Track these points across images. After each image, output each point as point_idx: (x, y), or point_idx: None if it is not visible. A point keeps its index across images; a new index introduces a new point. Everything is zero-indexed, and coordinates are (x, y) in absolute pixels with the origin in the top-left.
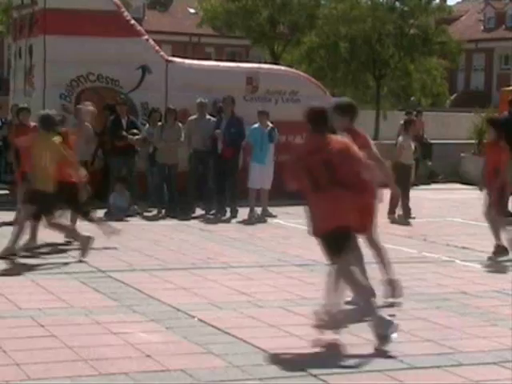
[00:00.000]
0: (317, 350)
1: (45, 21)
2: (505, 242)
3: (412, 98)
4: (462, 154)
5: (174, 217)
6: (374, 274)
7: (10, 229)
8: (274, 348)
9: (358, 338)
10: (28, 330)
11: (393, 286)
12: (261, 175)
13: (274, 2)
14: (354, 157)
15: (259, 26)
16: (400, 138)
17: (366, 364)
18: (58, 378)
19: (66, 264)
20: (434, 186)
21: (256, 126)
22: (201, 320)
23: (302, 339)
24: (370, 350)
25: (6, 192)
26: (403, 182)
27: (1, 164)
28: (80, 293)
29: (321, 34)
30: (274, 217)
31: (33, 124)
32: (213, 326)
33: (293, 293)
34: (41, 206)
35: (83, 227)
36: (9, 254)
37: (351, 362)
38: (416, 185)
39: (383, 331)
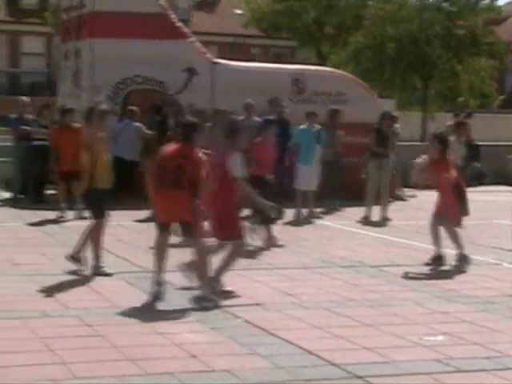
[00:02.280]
0: (362, 351)
1: (92, 23)
2: None
3: (460, 99)
4: (510, 156)
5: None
6: None
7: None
8: (319, 349)
9: (403, 340)
10: (75, 330)
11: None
12: (307, 176)
13: (321, 2)
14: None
15: (305, 27)
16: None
17: (411, 366)
18: (104, 378)
19: (113, 264)
20: (481, 188)
21: (303, 126)
22: (246, 321)
23: (348, 341)
24: (416, 352)
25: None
26: None
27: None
28: (126, 293)
29: (367, 35)
30: (320, 218)
31: (77, 125)
32: (258, 327)
33: (338, 294)
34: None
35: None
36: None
37: (397, 364)
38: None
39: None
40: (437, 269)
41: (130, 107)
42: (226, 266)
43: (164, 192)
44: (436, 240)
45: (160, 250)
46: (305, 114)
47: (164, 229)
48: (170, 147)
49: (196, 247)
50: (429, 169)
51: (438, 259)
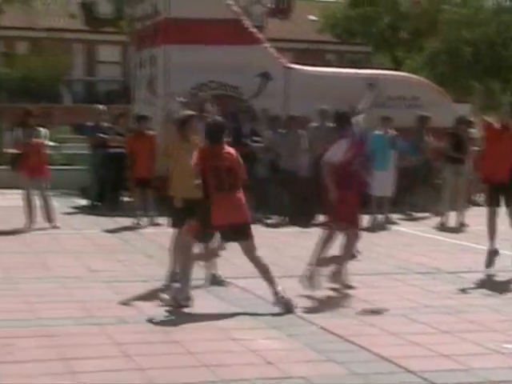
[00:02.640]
0: (439, 358)
1: (167, 30)
2: None
3: None
4: None
5: (295, 224)
6: None
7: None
8: (396, 356)
9: (480, 347)
10: (151, 336)
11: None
12: (383, 182)
13: (396, 8)
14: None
15: (380, 33)
16: None
17: (489, 374)
18: None
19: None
20: None
21: (378, 132)
22: (322, 327)
23: (424, 347)
24: (494, 359)
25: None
26: None
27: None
28: (204, 300)
29: (443, 40)
30: (396, 224)
31: (152, 133)
32: (334, 334)
33: (414, 301)
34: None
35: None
36: None
37: (475, 371)
38: None
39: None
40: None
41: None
42: (346, 255)
43: (223, 195)
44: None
45: (204, 257)
46: (379, 118)
47: (212, 236)
48: (207, 150)
49: (251, 248)
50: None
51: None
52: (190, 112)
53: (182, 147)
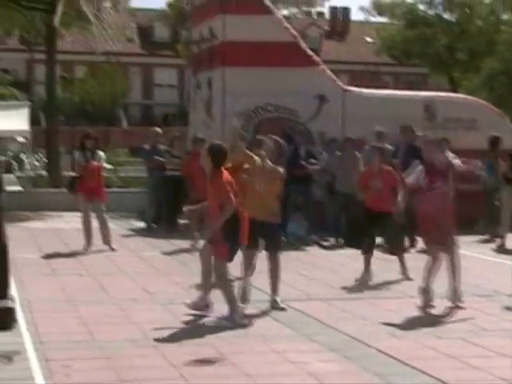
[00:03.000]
0: (498, 382)
1: (224, 53)
2: None
3: None
4: None
5: (351, 246)
6: None
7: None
8: (454, 380)
9: None
10: (207, 358)
11: None
12: None
13: (453, 29)
14: None
15: (437, 54)
16: None
17: None
18: None
19: (244, 293)
20: None
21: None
22: (379, 350)
23: (484, 372)
24: None
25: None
26: None
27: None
28: (258, 321)
29: (501, 60)
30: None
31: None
32: (391, 356)
33: (473, 323)
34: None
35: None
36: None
37: None
38: None
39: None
40: None
41: (258, 136)
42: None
43: None
44: None
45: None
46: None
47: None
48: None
49: None
50: None
51: None
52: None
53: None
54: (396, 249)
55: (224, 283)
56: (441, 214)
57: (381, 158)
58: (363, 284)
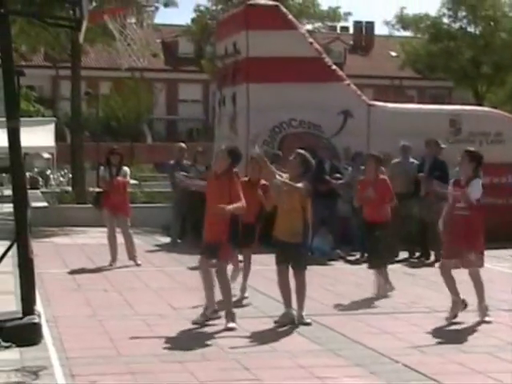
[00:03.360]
0: None
1: (248, 69)
2: None
3: None
4: None
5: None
6: None
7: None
8: None
9: None
10: (233, 373)
11: None
12: None
13: (477, 42)
14: None
15: (462, 67)
16: None
17: None
18: None
19: (270, 307)
20: None
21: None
22: (405, 365)
23: None
24: None
25: None
26: None
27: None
28: (284, 336)
29: None
30: None
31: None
32: (417, 372)
33: (499, 338)
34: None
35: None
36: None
37: None
38: None
39: None
40: None
41: (275, 151)
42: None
43: None
44: None
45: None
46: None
47: None
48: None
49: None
50: None
51: None
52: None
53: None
54: (374, 263)
55: (224, 281)
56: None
57: (376, 165)
58: (384, 295)
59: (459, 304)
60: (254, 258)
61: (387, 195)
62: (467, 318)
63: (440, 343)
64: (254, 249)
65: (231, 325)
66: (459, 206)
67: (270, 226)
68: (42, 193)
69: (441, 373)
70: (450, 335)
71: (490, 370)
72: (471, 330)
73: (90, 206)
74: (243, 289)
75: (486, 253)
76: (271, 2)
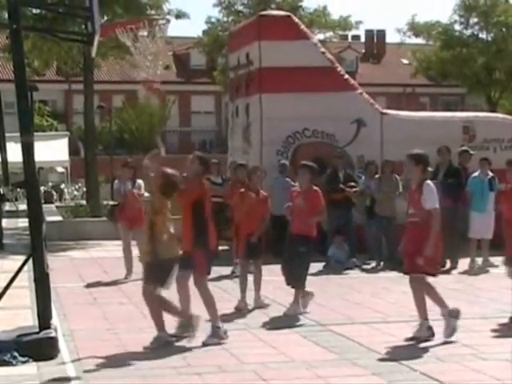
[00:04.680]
0: None
1: (261, 79)
2: None
3: None
4: None
5: (393, 269)
6: None
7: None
8: None
9: None
10: None
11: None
12: (482, 224)
13: (490, 48)
14: None
15: (474, 74)
16: None
17: None
18: None
19: (286, 318)
20: None
21: (476, 174)
22: (423, 373)
23: None
24: None
25: (226, 248)
26: None
27: (221, 221)
28: (301, 346)
29: None
30: (496, 267)
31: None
32: (435, 379)
33: None
34: None
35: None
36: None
37: None
38: None
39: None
40: None
41: (282, 161)
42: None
43: None
44: None
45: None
46: (478, 161)
47: None
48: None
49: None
50: None
51: None
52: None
53: None
54: (295, 281)
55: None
56: None
57: (311, 176)
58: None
59: None
60: (268, 268)
61: (317, 208)
62: (484, 325)
63: (458, 351)
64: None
65: (210, 341)
66: (410, 213)
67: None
68: (57, 207)
69: (459, 380)
70: (467, 343)
71: (508, 377)
72: (489, 337)
73: (104, 219)
74: (257, 299)
75: (502, 259)
76: (283, 13)
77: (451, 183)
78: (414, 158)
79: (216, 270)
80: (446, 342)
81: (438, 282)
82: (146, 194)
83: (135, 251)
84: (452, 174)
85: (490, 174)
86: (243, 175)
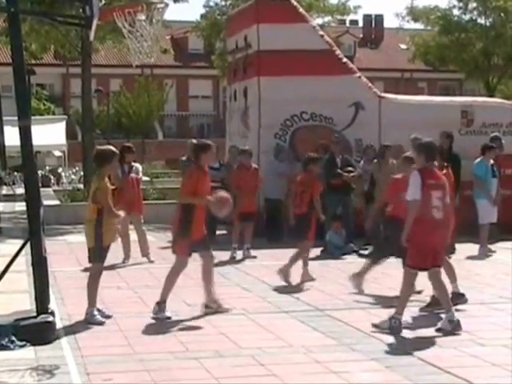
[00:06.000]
0: None
1: (259, 63)
2: None
3: None
4: None
5: (391, 254)
6: None
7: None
8: None
9: None
10: (248, 369)
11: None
12: (490, 209)
13: (488, 33)
14: None
15: (473, 59)
16: None
17: None
18: None
19: (284, 303)
20: None
21: (479, 160)
22: (421, 359)
23: None
24: None
25: (225, 232)
26: None
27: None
28: (299, 331)
29: None
30: (494, 252)
31: (254, 166)
32: (433, 365)
33: None
34: None
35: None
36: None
37: None
38: None
39: None
40: None
41: (279, 144)
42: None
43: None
44: None
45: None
46: (480, 147)
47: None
48: None
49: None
50: None
51: None
52: None
53: None
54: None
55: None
56: None
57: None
58: None
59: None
60: (265, 252)
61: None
62: (482, 311)
63: (455, 336)
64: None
65: (157, 315)
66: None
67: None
68: (54, 191)
69: (456, 366)
70: (465, 328)
71: (507, 362)
72: (487, 322)
73: None
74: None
75: (501, 245)
76: None
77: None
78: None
79: (214, 255)
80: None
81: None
82: (144, 178)
83: (133, 236)
84: (451, 159)
85: (492, 160)
86: (247, 161)
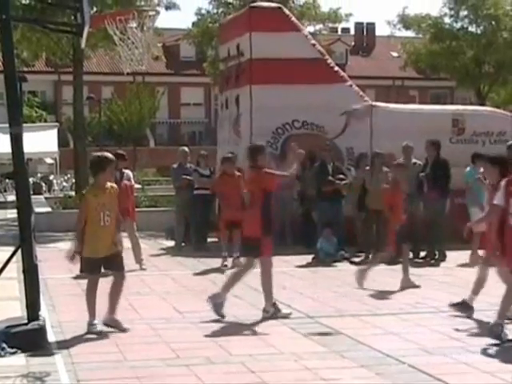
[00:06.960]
0: None
1: (251, 71)
2: None
3: None
4: None
5: (382, 262)
6: None
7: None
8: None
9: None
10: (239, 376)
11: None
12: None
13: (479, 41)
14: None
15: (464, 67)
16: None
17: None
18: None
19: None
20: None
21: (470, 168)
22: (411, 366)
23: None
24: None
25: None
26: None
27: (211, 213)
28: (290, 338)
29: None
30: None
31: (237, 174)
32: (424, 372)
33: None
34: None
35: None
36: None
37: None
38: None
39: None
40: None
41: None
42: None
43: None
44: None
45: None
46: (469, 155)
47: None
48: None
49: None
50: None
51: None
52: None
53: None
54: None
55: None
56: None
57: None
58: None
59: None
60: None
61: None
62: (473, 317)
63: (446, 344)
64: None
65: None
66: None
67: None
68: (46, 198)
69: (447, 373)
70: (456, 335)
71: (496, 369)
72: (477, 329)
73: None
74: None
75: None
76: (274, 5)
77: (439, 176)
78: (490, 161)
79: (206, 262)
80: (434, 335)
81: (427, 274)
82: (136, 186)
83: (125, 243)
84: (439, 166)
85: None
86: (230, 168)
